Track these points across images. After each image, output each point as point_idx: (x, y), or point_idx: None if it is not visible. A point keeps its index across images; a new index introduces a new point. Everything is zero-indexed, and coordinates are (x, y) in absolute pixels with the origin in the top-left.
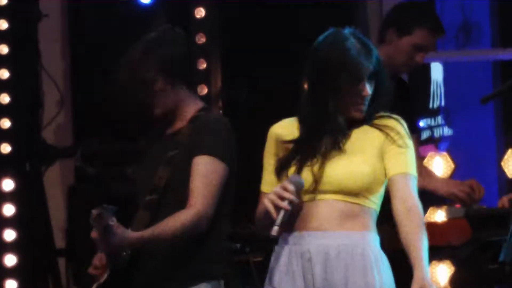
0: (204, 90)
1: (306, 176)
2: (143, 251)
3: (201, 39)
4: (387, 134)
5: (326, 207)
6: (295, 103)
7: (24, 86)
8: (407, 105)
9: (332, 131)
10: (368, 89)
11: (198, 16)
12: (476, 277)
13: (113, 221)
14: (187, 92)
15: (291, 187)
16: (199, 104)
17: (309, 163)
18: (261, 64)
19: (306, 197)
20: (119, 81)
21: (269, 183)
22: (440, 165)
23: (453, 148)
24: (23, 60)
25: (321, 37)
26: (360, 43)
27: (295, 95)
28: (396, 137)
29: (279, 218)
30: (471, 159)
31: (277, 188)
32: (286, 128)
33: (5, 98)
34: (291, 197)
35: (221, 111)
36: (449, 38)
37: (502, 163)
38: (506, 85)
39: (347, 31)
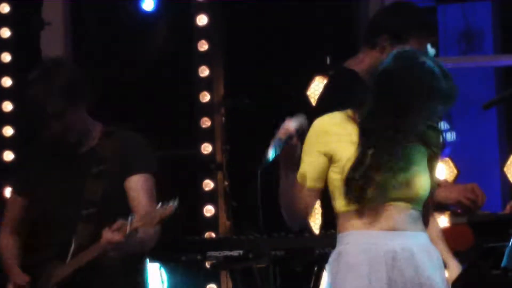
0: (206, 97)
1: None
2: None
3: (203, 46)
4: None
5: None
6: (297, 110)
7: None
8: None
9: (396, 143)
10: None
11: (200, 24)
12: (479, 282)
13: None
14: (85, 112)
15: (292, 124)
16: (97, 122)
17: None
18: (264, 71)
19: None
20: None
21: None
22: (443, 170)
23: (456, 154)
24: (26, 68)
25: (400, 61)
26: (442, 72)
27: (298, 102)
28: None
29: (276, 145)
30: (474, 165)
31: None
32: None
33: (8, 106)
34: (290, 130)
35: (223, 118)
36: (451, 44)
37: (505, 169)
38: (509, 91)
39: (428, 61)
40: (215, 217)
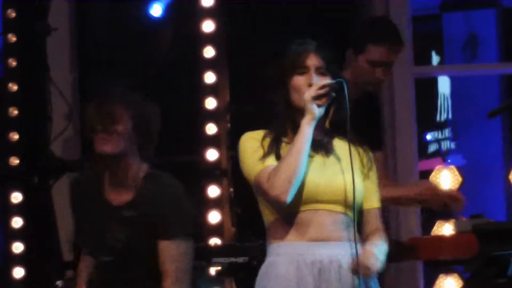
0: (212, 103)
1: (311, 185)
2: None
3: (209, 52)
4: (366, 163)
5: (327, 217)
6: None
7: (33, 100)
8: (378, 120)
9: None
10: (316, 79)
11: (206, 30)
12: None
13: None
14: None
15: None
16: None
17: (309, 173)
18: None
19: (306, 206)
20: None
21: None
22: (448, 178)
23: (461, 161)
24: (32, 73)
25: None
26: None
27: None
28: (373, 170)
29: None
30: (478, 172)
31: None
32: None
33: (14, 112)
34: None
35: (229, 125)
36: (456, 52)
37: (510, 176)
38: None
39: None
40: (220, 223)
